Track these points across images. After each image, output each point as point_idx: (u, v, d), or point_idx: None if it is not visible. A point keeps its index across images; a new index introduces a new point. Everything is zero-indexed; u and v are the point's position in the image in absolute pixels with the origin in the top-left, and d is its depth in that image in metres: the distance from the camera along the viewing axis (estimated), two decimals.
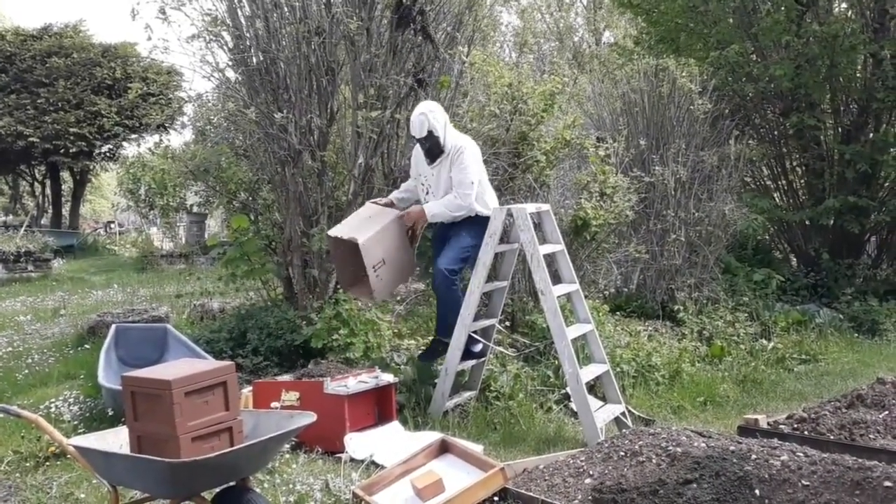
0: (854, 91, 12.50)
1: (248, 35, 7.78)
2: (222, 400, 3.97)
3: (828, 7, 12.27)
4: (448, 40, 7.96)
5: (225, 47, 7.93)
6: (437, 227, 6.87)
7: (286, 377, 6.60)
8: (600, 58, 19.10)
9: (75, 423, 6.25)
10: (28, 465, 5.43)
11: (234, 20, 7.75)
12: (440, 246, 6.77)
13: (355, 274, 6.60)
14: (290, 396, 5.90)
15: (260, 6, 7.58)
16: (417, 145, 6.68)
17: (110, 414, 6.14)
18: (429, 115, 6.42)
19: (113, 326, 7.44)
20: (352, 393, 5.90)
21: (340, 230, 6.40)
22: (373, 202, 6.83)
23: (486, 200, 6.65)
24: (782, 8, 11.80)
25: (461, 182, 6.45)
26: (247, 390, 6.17)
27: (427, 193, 6.70)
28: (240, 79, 8.11)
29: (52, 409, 6.40)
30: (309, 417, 4.06)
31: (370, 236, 6.26)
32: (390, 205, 6.79)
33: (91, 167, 25.21)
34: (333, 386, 5.91)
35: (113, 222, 29.02)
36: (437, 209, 6.54)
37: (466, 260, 6.59)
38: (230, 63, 8.07)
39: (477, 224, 6.55)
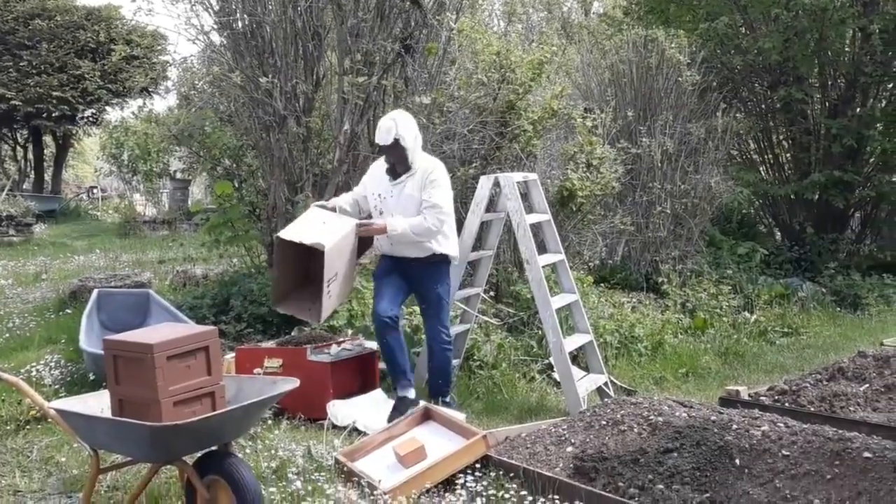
0: (842, 65, 12.49)
1: None
2: (205, 364, 3.94)
3: None
4: (436, 7, 7.86)
5: (210, 10, 7.83)
6: (384, 260, 5.97)
7: (269, 344, 6.57)
8: (589, 28, 19.00)
9: (56, 387, 6.23)
10: (8, 428, 5.41)
11: None
12: (383, 284, 5.84)
13: (294, 287, 5.76)
14: (273, 363, 5.89)
15: None
16: (377, 161, 6.07)
17: (91, 378, 6.12)
18: (399, 121, 5.62)
19: (95, 291, 7.38)
20: (335, 360, 5.90)
21: (300, 234, 5.34)
22: (319, 205, 5.83)
23: (449, 238, 5.84)
24: None
25: (435, 205, 5.61)
26: (229, 356, 6.15)
27: (381, 214, 5.78)
28: (225, 42, 8.02)
29: (33, 373, 6.36)
30: (292, 383, 4.04)
31: (334, 244, 5.32)
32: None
33: (74, 132, 24.93)
34: (317, 353, 5.90)
35: (95, 187, 28.76)
36: (401, 227, 5.58)
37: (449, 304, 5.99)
38: (215, 26, 7.96)
39: (433, 267, 5.80)
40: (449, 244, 5.80)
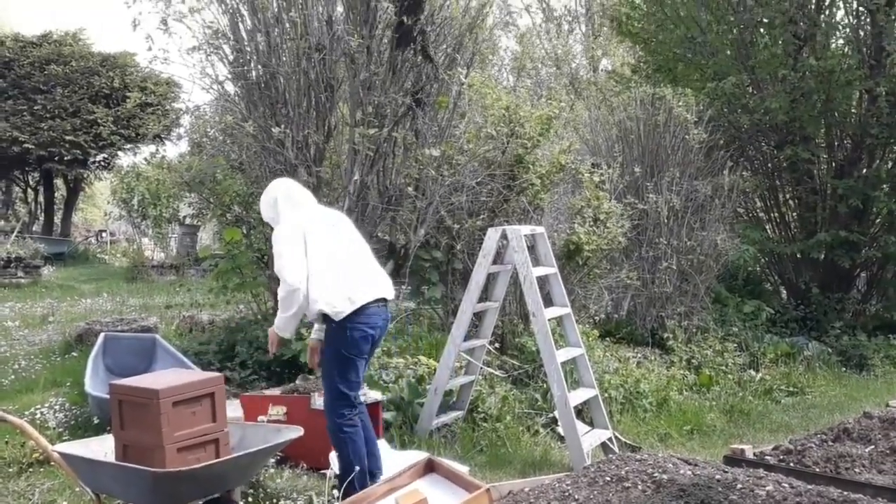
0: (849, 126, 12.60)
1: (248, 49, 7.81)
2: (210, 411, 3.97)
3: (825, 42, 12.38)
4: (448, 61, 8.00)
5: (225, 60, 7.95)
6: None
7: (274, 391, 6.56)
8: (597, 85, 19.21)
9: (60, 430, 6.21)
10: (11, 470, 5.39)
11: (236, 34, 7.78)
12: None
13: None
14: (277, 411, 5.87)
15: (262, 21, 7.61)
16: None
17: (96, 422, 6.10)
18: (261, 200, 5.40)
19: (102, 335, 7.40)
20: None
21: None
22: None
23: (320, 297, 4.92)
24: (780, 42, 11.91)
25: (278, 274, 4.99)
26: (234, 403, 6.14)
27: None
28: (239, 92, 8.13)
29: (38, 416, 6.36)
30: (296, 432, 4.06)
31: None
32: None
33: (85, 175, 25.15)
34: (321, 402, 5.89)
35: (104, 231, 28.93)
36: (277, 320, 5.06)
37: (345, 375, 5.02)
38: (230, 76, 8.08)
39: (327, 328, 5.06)
40: (322, 301, 4.92)
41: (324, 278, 4.91)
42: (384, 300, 5.10)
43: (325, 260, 4.95)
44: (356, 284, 4.97)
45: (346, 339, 4.94)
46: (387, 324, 5.22)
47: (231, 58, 7.91)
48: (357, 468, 4.93)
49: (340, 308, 4.87)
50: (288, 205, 5.22)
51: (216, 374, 4.29)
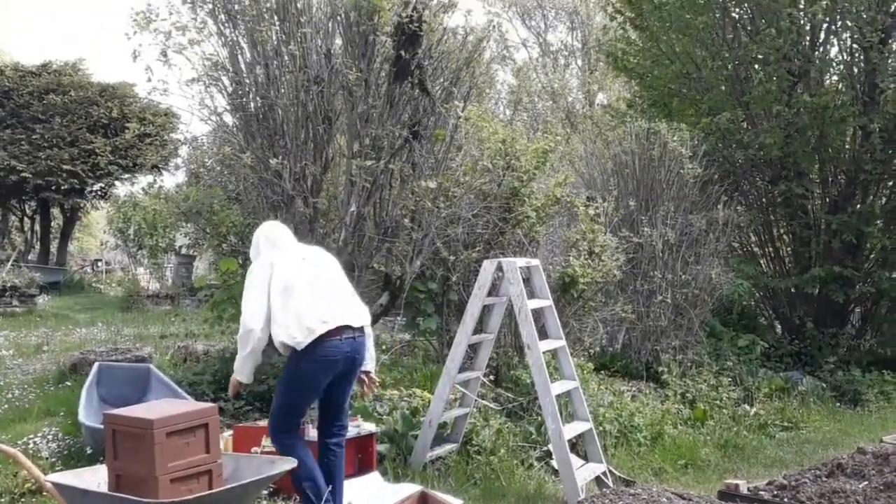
0: (842, 162, 12.69)
1: (247, 81, 7.86)
2: (203, 442, 3.96)
3: (819, 79, 12.51)
4: (445, 95, 8.06)
5: (224, 92, 8.01)
6: None
7: (261, 423, 6.55)
8: (593, 119, 19.37)
9: (53, 460, 6.18)
10: (3, 500, 5.36)
11: (235, 66, 7.85)
12: None
13: None
14: (265, 443, 5.86)
15: (261, 53, 7.68)
16: None
17: (89, 452, 6.08)
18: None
19: (96, 364, 7.38)
20: None
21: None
22: None
23: (287, 320, 4.97)
24: (774, 78, 12.03)
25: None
26: (227, 434, 6.13)
27: None
28: (237, 123, 8.17)
29: (31, 445, 6.33)
30: (289, 463, 4.05)
31: None
32: None
33: (82, 205, 25.16)
34: (314, 433, 5.87)
35: (100, 260, 28.90)
36: (236, 364, 5.19)
37: (291, 401, 5.12)
38: (228, 107, 8.13)
39: (289, 354, 5.09)
40: (283, 333, 4.97)
41: (286, 312, 4.96)
42: (350, 328, 5.06)
43: (287, 294, 5.01)
44: (317, 315, 4.98)
45: (301, 369, 5.00)
46: (356, 352, 5.13)
47: (230, 89, 7.97)
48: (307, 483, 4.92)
49: (300, 338, 4.91)
50: (267, 245, 5.36)
51: (210, 404, 4.29)
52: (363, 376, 5.39)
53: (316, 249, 5.58)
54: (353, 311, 5.19)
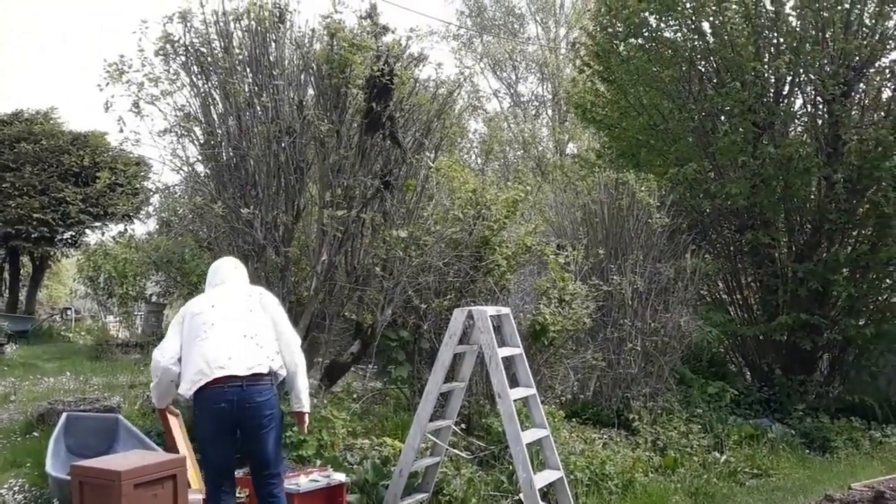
0: (807, 211, 12.91)
1: (219, 132, 7.91)
2: (171, 494, 3.95)
3: (783, 130, 12.76)
4: (416, 146, 8.17)
5: (196, 142, 8.05)
6: None
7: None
8: (563, 168, 19.60)
9: None
10: None
11: (207, 117, 7.90)
12: None
13: None
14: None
15: (233, 105, 7.73)
16: None
17: None
18: None
19: (63, 415, 7.30)
20: (303, 491, 5.86)
21: None
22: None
23: (182, 369, 5.21)
24: (740, 129, 12.29)
25: None
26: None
27: None
28: (209, 173, 8.20)
29: None
30: None
31: None
32: None
33: (52, 253, 24.96)
34: (285, 484, 5.85)
35: (69, 309, 28.58)
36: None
37: (204, 454, 5.23)
38: (200, 157, 8.16)
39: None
40: (180, 383, 5.22)
41: (185, 361, 5.18)
42: (236, 377, 5.01)
43: (188, 343, 5.23)
44: (203, 365, 5.04)
45: (197, 419, 5.17)
46: (247, 400, 5.01)
47: (202, 140, 8.01)
48: None
49: (183, 388, 5.11)
50: (208, 284, 5.64)
51: (178, 455, 4.27)
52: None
53: (244, 291, 5.54)
54: (245, 358, 5.10)
